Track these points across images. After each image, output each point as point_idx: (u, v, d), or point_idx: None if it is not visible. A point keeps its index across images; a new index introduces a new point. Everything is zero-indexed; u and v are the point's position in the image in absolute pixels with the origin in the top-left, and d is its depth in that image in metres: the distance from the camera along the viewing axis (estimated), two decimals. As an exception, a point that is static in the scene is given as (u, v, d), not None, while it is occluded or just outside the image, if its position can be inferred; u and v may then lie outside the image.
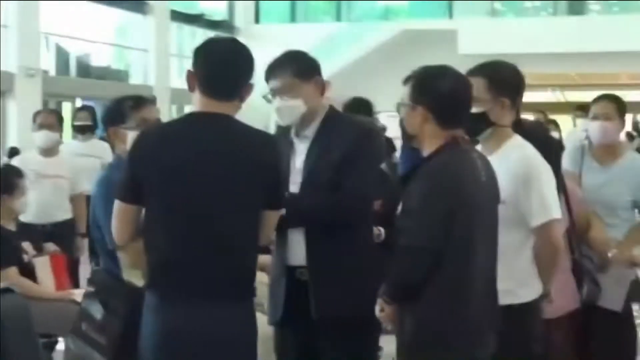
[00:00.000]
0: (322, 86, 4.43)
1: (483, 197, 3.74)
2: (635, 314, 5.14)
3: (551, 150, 4.60)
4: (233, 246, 3.60)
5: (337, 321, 4.31)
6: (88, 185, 8.47)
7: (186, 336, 3.52)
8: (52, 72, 20.91)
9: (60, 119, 8.32)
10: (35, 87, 18.54)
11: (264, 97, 4.41)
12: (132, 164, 3.63)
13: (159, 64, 24.25)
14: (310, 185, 4.31)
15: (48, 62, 20.71)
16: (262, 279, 4.47)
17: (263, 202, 3.68)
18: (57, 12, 20.38)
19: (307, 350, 4.47)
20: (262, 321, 4.17)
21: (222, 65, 3.68)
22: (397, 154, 8.27)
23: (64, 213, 8.04)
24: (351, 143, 4.29)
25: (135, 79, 24.68)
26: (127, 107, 4.55)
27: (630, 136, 17.53)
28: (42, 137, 8.01)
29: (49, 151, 8.04)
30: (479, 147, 4.17)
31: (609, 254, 5.22)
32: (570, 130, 12.99)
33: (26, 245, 6.55)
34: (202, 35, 27.87)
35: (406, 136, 3.87)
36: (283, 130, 4.67)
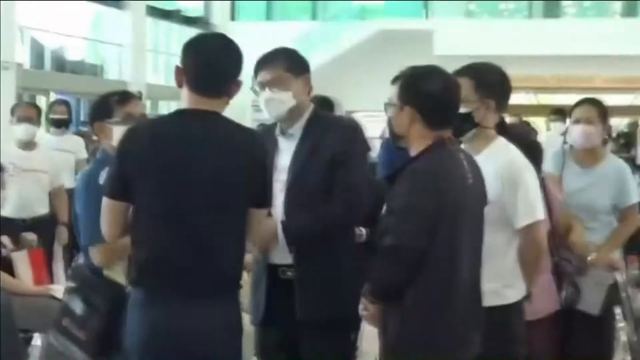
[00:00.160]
0: (310, 85, 4.46)
1: (469, 198, 3.74)
2: (617, 317, 5.16)
3: (535, 152, 4.63)
4: (221, 244, 3.59)
5: (319, 321, 4.32)
6: (66, 180, 8.51)
7: (173, 333, 3.51)
8: (27, 65, 20.78)
9: (39, 113, 8.30)
10: (10, 80, 18.41)
11: (252, 89, 4.41)
12: (121, 161, 3.60)
13: (134, 59, 24.11)
14: (297, 186, 4.31)
15: (23, 56, 20.58)
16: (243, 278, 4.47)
17: (251, 201, 3.67)
18: (33, 5, 20.23)
19: (287, 348, 4.48)
20: (245, 320, 4.17)
21: (211, 62, 3.66)
22: (373, 154, 8.26)
23: (43, 207, 8.01)
24: (341, 143, 4.31)
25: (110, 74, 24.57)
26: (113, 102, 4.54)
27: (603, 140, 17.57)
28: (23, 130, 7.97)
29: (29, 144, 8.01)
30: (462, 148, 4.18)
31: (589, 258, 5.25)
32: (550, 133, 13.03)
33: (4, 239, 6.51)
34: (178, 31, 27.85)
35: (394, 136, 3.86)
36: (267, 129, 4.68)
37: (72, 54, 23.44)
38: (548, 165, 5.54)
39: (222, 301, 3.62)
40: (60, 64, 22.36)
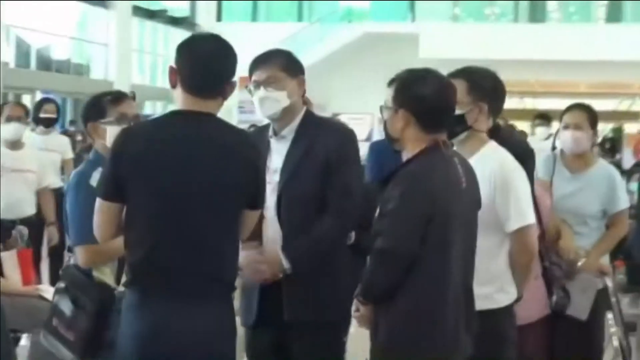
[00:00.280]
0: (304, 87, 4.46)
1: (462, 202, 3.74)
2: (610, 322, 5.17)
3: (527, 157, 4.63)
4: (215, 245, 3.58)
5: (310, 323, 4.33)
6: (52, 179, 8.48)
7: (168, 334, 3.49)
8: (12, 64, 20.75)
9: (27, 112, 8.27)
10: (-6, 79, 18.41)
11: (246, 87, 4.40)
12: (115, 162, 3.58)
13: (119, 59, 24.13)
14: (289, 189, 4.33)
15: (8, 54, 20.54)
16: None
17: (245, 202, 3.67)
18: (18, 4, 20.19)
19: (278, 350, 4.48)
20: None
21: (206, 63, 3.65)
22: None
23: (31, 208, 7.96)
24: (335, 148, 4.32)
25: (95, 74, 24.56)
26: (106, 102, 4.52)
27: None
28: (12, 129, 7.93)
29: (16, 144, 7.96)
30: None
31: (579, 263, 5.26)
32: (534, 138, 13.05)
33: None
34: (163, 31, 27.85)
35: (390, 139, 3.86)
36: (259, 130, 4.68)
37: (58, 53, 23.42)
38: (538, 170, 5.55)
39: (216, 303, 3.60)
40: (46, 63, 22.35)
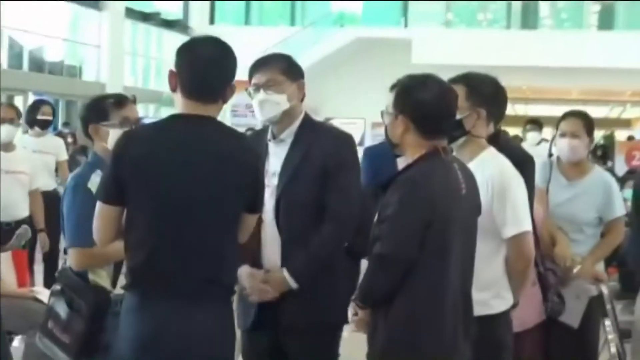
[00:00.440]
0: (304, 92, 4.47)
1: (461, 208, 3.74)
2: (608, 329, 5.18)
3: (527, 164, 4.64)
4: (215, 248, 3.59)
5: (305, 326, 4.34)
6: (44, 182, 8.45)
7: (168, 337, 3.50)
8: (5, 65, 20.70)
9: (19, 114, 8.24)
10: (-13, 81, 18.35)
11: (246, 90, 4.41)
12: (116, 166, 3.58)
13: (112, 61, 24.10)
14: (288, 193, 4.33)
15: (0, 56, 20.50)
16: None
17: (244, 205, 3.67)
18: (11, 5, 20.14)
19: (275, 353, 4.48)
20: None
21: (206, 67, 3.65)
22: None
23: (25, 210, 7.90)
24: (333, 153, 4.34)
25: (88, 75, 24.51)
26: (109, 105, 4.50)
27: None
28: (5, 131, 7.89)
29: (8, 146, 7.93)
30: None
31: (574, 270, 5.27)
32: (525, 144, 13.08)
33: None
34: (156, 33, 27.81)
35: (391, 144, 3.86)
36: (257, 134, 4.69)
37: (51, 55, 23.36)
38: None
39: (216, 305, 3.61)
40: (39, 65, 22.28)
